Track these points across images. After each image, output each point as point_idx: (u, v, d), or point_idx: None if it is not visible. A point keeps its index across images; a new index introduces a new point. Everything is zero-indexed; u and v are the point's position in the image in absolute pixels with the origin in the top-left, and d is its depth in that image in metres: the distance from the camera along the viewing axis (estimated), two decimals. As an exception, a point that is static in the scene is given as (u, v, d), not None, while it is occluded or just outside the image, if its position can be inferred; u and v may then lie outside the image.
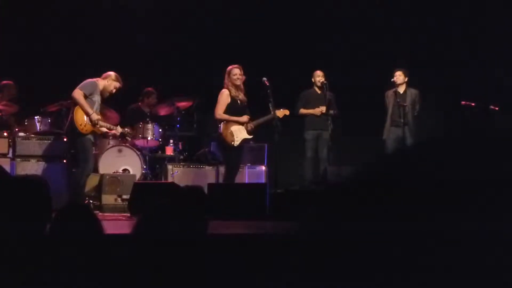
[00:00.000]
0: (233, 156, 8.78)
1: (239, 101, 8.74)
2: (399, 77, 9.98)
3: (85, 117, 8.37)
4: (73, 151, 8.86)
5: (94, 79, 8.55)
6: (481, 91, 10.48)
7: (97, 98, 8.50)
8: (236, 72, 8.67)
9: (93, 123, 8.42)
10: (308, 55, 11.06)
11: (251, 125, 8.76)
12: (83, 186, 8.64)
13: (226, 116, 8.72)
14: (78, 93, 8.35)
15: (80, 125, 8.36)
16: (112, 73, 8.63)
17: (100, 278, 2.85)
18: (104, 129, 8.73)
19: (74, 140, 8.52)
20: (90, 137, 8.55)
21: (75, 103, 8.38)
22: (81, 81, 8.53)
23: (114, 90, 8.65)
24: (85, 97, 8.38)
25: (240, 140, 8.74)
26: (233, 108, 8.73)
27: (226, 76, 8.71)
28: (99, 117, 8.49)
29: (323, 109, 9.77)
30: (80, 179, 8.51)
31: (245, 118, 8.76)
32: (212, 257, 2.98)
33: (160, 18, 11.24)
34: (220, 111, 8.72)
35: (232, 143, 8.69)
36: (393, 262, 0.89)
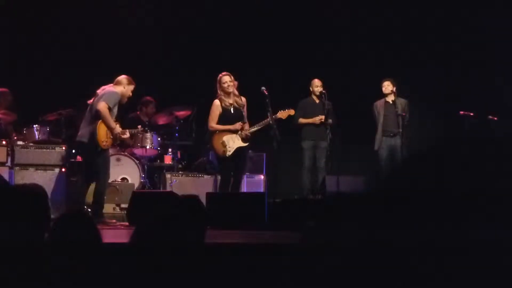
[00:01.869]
0: (227, 166, 8.66)
1: (232, 109, 8.65)
2: (387, 87, 9.96)
3: (107, 132, 8.13)
4: (88, 164, 8.49)
5: (113, 89, 8.23)
6: (479, 100, 10.48)
7: (116, 109, 8.25)
8: (226, 80, 8.58)
9: (115, 137, 8.26)
10: (306, 63, 11.06)
11: (245, 133, 8.64)
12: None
13: (218, 127, 8.62)
14: (104, 107, 7.99)
15: (103, 141, 8.11)
16: (124, 78, 8.32)
17: (98, 286, 2.84)
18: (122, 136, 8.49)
19: (94, 156, 8.19)
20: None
21: (100, 116, 8.03)
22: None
23: (131, 94, 8.42)
24: (109, 109, 8.08)
25: (234, 149, 8.61)
26: (226, 117, 8.63)
27: (218, 85, 8.63)
28: (120, 130, 8.26)
29: (322, 117, 9.74)
30: (104, 190, 8.41)
31: (237, 125, 8.65)
32: (211, 266, 2.97)
33: (159, 26, 11.25)
34: (212, 122, 8.63)
35: (224, 153, 8.62)
36: (397, 271, 0.89)
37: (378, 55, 11.14)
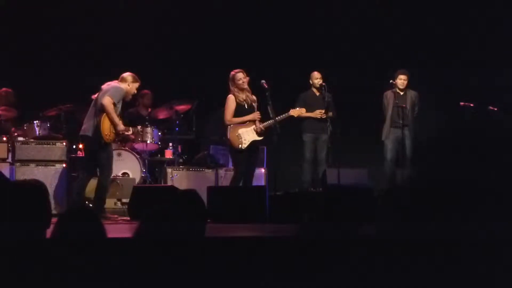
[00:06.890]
0: (242, 159, 8.64)
1: (246, 105, 8.68)
2: (404, 81, 9.95)
3: (110, 126, 8.17)
4: (91, 158, 8.43)
5: (118, 85, 8.30)
6: (480, 91, 10.46)
7: (120, 105, 8.32)
8: (240, 77, 8.63)
9: (118, 133, 8.31)
10: (305, 56, 11.04)
11: (260, 127, 8.69)
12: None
13: (236, 119, 8.65)
14: (109, 102, 8.06)
15: (106, 135, 8.14)
16: (129, 75, 8.41)
17: (102, 280, 2.85)
18: (125, 133, 8.52)
19: (98, 150, 8.23)
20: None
21: (104, 110, 8.09)
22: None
23: (135, 91, 8.54)
24: (114, 105, 8.13)
25: (249, 142, 8.61)
26: (240, 113, 8.66)
27: (231, 82, 8.66)
28: (123, 127, 8.31)
29: (322, 111, 9.73)
30: (107, 185, 8.44)
31: (256, 114, 8.67)
32: (212, 260, 2.98)
33: (158, 20, 11.22)
34: (229, 116, 8.64)
35: (240, 146, 8.59)
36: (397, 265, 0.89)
37: (378, 46, 11.11)
